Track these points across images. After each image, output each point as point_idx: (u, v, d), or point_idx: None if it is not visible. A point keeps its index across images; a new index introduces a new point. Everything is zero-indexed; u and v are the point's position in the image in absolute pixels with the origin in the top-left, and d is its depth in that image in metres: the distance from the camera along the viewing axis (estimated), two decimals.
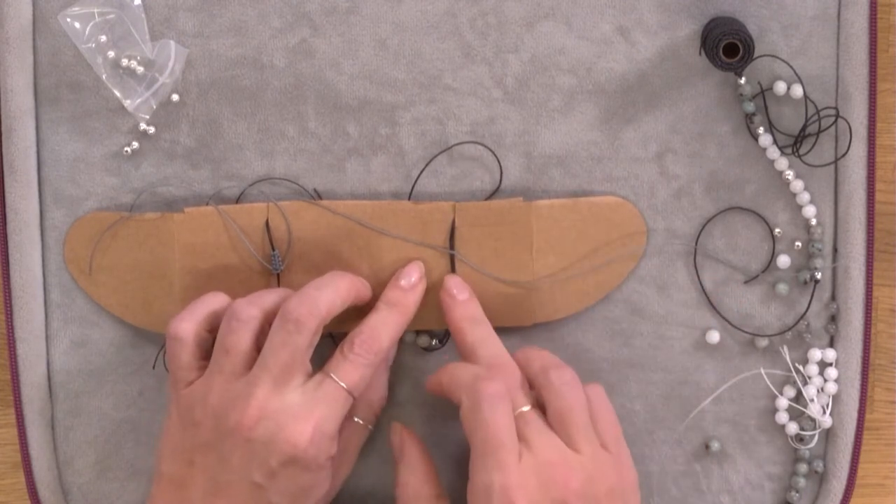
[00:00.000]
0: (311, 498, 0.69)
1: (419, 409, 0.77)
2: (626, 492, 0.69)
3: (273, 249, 0.74)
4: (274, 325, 0.69)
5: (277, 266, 0.74)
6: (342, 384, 0.68)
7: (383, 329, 0.71)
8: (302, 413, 0.67)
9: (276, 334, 0.68)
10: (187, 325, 0.70)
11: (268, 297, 0.70)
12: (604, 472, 0.68)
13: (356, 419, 0.73)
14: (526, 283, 0.75)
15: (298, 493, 0.68)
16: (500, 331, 0.74)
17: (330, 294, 0.70)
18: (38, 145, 0.75)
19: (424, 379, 0.76)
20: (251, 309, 0.69)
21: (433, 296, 0.74)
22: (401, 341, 0.76)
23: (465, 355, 0.72)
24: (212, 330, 0.71)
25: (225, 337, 0.69)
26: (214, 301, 0.71)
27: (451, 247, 0.74)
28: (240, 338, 0.69)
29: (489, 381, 0.68)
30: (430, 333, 0.77)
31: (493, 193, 0.75)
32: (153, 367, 0.76)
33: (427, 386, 0.73)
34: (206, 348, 0.71)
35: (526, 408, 0.68)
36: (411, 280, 0.73)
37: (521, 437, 0.67)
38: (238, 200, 0.75)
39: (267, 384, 0.67)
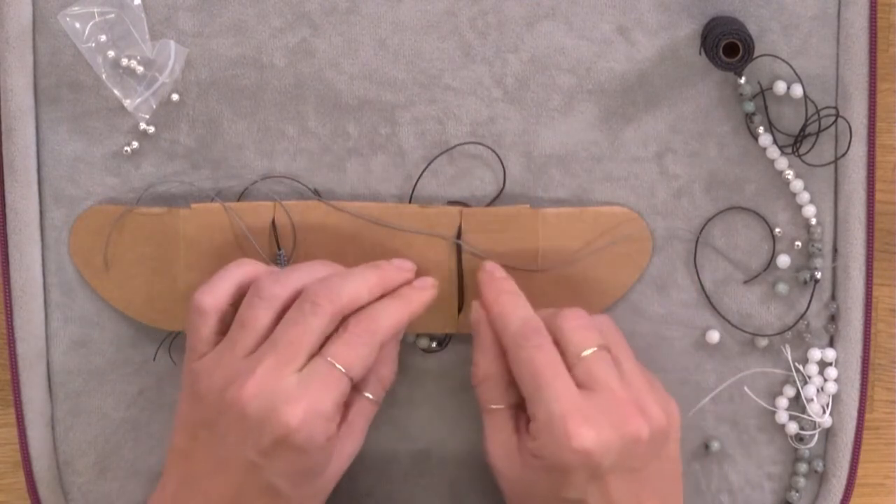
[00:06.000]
0: (312, 479, 0.68)
1: (419, 410, 0.77)
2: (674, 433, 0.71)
3: (279, 248, 0.74)
4: (293, 305, 0.68)
5: (283, 265, 0.74)
6: (337, 365, 0.67)
7: (383, 313, 0.69)
8: (295, 394, 0.66)
9: (292, 313, 0.67)
10: (211, 299, 0.69)
11: (295, 276, 0.69)
12: (669, 409, 0.70)
13: (366, 394, 0.71)
14: (531, 289, 0.74)
15: (297, 474, 0.67)
16: None
17: (356, 284, 0.69)
18: (38, 145, 0.75)
19: (425, 380, 0.76)
20: (276, 287, 0.68)
21: (435, 299, 0.74)
22: (401, 342, 0.76)
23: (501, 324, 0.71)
24: (235, 304, 0.70)
25: (245, 312, 0.68)
26: (242, 272, 0.70)
27: (458, 253, 0.74)
28: (259, 315, 0.68)
29: (533, 324, 0.69)
30: (431, 336, 0.76)
31: (498, 195, 0.75)
32: (154, 359, 0.76)
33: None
34: (227, 322, 0.70)
35: (588, 351, 0.68)
36: (426, 283, 0.72)
37: (586, 381, 0.68)
38: (240, 198, 0.75)
39: (270, 362, 0.66)
